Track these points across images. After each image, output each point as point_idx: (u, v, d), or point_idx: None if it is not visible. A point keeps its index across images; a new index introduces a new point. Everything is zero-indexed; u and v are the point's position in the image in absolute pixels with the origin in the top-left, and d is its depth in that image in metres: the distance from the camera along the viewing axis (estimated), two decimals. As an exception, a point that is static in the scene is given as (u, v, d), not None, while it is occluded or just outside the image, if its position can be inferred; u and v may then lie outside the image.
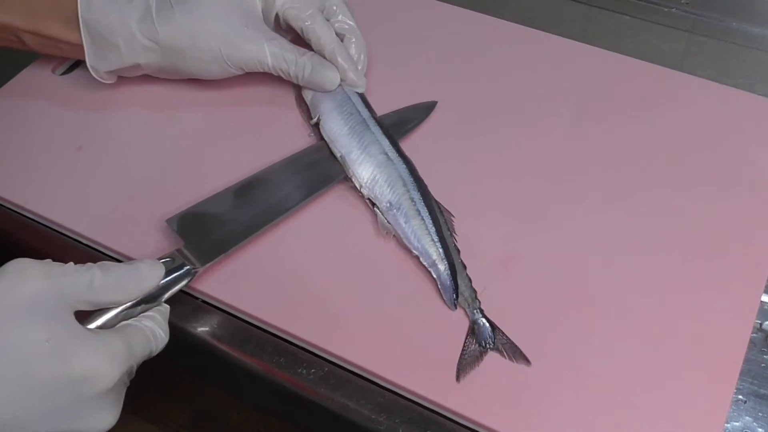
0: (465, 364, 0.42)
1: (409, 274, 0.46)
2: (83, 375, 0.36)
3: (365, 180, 0.49)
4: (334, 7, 0.54)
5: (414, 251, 0.46)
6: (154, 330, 0.41)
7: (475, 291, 0.45)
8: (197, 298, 0.47)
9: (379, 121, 0.52)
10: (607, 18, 0.66)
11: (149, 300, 0.41)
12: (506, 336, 0.43)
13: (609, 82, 0.57)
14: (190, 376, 0.56)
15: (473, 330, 0.44)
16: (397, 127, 0.53)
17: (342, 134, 0.51)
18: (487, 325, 0.44)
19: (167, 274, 0.42)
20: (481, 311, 0.44)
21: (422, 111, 0.55)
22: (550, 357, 0.43)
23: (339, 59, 0.53)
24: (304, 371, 0.44)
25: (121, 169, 0.52)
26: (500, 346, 0.43)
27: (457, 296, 0.45)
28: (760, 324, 0.45)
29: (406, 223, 0.47)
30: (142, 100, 0.56)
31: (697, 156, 0.52)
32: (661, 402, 0.41)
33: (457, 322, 0.44)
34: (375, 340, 0.43)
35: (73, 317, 0.37)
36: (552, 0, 0.68)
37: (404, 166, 0.50)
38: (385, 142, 0.51)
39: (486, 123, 0.54)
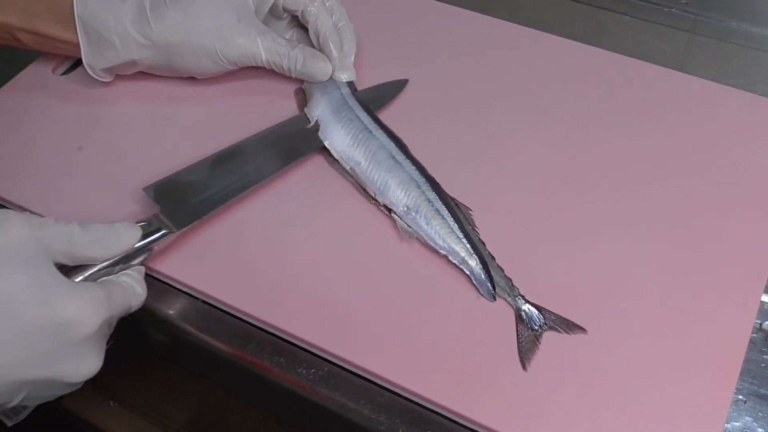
0: (525, 351, 0.42)
1: (412, 273, 0.46)
2: (65, 320, 0.37)
3: (378, 187, 0.49)
4: (328, 3, 0.55)
5: (441, 251, 0.46)
6: (132, 285, 0.42)
7: (510, 279, 0.45)
8: (197, 298, 0.47)
9: (382, 124, 0.52)
10: (607, 18, 0.66)
11: (126, 261, 0.42)
12: (554, 312, 0.43)
13: (609, 82, 0.57)
14: (190, 376, 0.56)
15: (521, 317, 0.44)
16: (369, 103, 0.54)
17: (345, 145, 0.51)
18: (533, 308, 0.44)
19: (144, 237, 0.43)
20: (523, 297, 0.44)
21: (393, 88, 0.56)
22: (550, 357, 0.43)
23: (331, 45, 0.54)
24: (304, 371, 0.44)
25: (121, 169, 0.52)
26: (552, 324, 0.43)
27: (494, 288, 0.45)
28: (760, 324, 0.45)
29: (427, 224, 0.47)
30: (142, 101, 0.56)
31: (697, 156, 0.52)
32: (661, 402, 0.41)
33: (459, 320, 0.44)
34: (375, 340, 0.43)
35: (53, 266, 0.38)
36: (552, 0, 0.68)
37: (413, 167, 0.49)
38: (391, 146, 0.50)
39: (485, 123, 0.54)
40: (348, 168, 0.50)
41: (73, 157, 0.53)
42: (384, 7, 0.63)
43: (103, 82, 0.55)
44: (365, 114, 0.52)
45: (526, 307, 0.44)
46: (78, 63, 0.59)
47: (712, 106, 0.55)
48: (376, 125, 0.52)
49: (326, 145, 0.52)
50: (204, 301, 0.47)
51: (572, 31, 0.62)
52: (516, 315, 0.44)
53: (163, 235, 0.44)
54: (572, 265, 0.46)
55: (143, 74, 0.56)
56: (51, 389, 0.39)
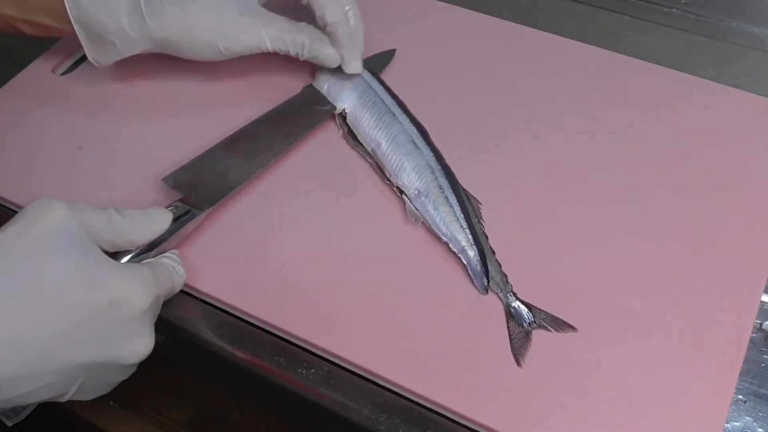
0: (518, 348, 0.43)
1: (412, 271, 0.46)
2: (116, 299, 0.37)
3: (393, 169, 0.50)
4: None
5: (443, 238, 0.47)
6: (173, 265, 0.43)
7: (505, 275, 0.45)
8: (197, 298, 0.47)
9: (405, 108, 0.53)
10: (607, 18, 0.66)
11: (160, 244, 0.44)
12: (544, 311, 0.44)
13: (609, 82, 0.57)
14: (190, 376, 0.56)
15: (511, 314, 0.44)
16: None
17: (370, 127, 0.52)
18: (522, 306, 0.44)
19: (174, 220, 0.45)
20: (514, 294, 0.44)
21: (381, 59, 0.58)
22: (549, 357, 0.43)
23: (339, 35, 0.52)
24: (304, 371, 0.44)
25: (121, 169, 0.52)
26: (542, 322, 0.43)
27: (488, 281, 0.45)
28: (760, 324, 0.45)
29: (434, 210, 0.48)
30: (142, 100, 0.56)
31: (697, 156, 0.52)
32: (660, 402, 0.41)
33: (459, 319, 0.44)
34: (374, 340, 0.43)
35: (98, 249, 0.39)
36: (552, 0, 0.68)
37: (431, 153, 0.50)
38: (413, 130, 0.51)
39: (484, 123, 0.54)
40: (369, 149, 0.51)
41: (73, 157, 0.53)
42: (383, 6, 0.63)
43: (102, 82, 0.55)
44: (389, 97, 0.53)
45: (516, 304, 0.44)
46: (78, 63, 0.59)
47: (712, 106, 0.55)
48: (399, 109, 0.53)
49: (350, 127, 0.53)
50: (204, 301, 0.47)
51: (572, 31, 0.62)
52: (506, 311, 0.44)
53: (192, 216, 0.46)
54: (572, 265, 0.46)
55: (143, 74, 0.56)
56: (106, 374, 0.39)
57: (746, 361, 0.43)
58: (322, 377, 0.44)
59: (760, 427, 0.42)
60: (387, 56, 0.59)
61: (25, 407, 0.64)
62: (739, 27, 0.64)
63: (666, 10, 0.66)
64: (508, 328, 0.43)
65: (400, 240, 0.48)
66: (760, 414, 0.42)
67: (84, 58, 0.59)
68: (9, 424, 0.60)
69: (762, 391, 0.43)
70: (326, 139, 0.54)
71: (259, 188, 0.51)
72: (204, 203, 0.47)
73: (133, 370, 0.41)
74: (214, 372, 0.49)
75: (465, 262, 0.46)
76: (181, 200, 0.46)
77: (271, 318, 0.45)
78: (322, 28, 0.53)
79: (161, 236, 0.43)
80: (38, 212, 0.38)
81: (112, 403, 0.71)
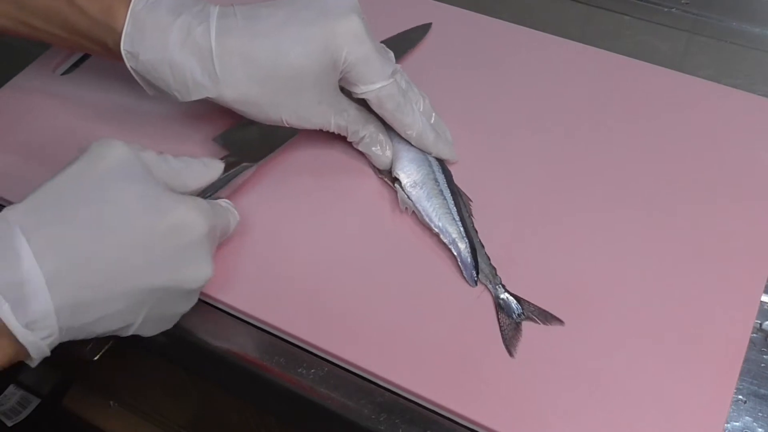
0: (509, 339, 0.43)
1: (406, 271, 0.46)
2: (177, 224, 0.39)
3: (392, 159, 0.51)
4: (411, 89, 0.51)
5: (434, 229, 0.47)
6: (227, 207, 0.46)
7: (494, 268, 0.46)
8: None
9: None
10: (606, 18, 0.66)
11: (213, 193, 0.46)
12: (533, 304, 0.44)
13: (609, 82, 0.57)
14: (190, 376, 0.56)
15: (500, 306, 0.44)
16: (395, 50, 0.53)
17: None
18: (511, 297, 0.44)
19: (225, 170, 0.47)
20: (503, 286, 0.45)
21: (417, 33, 0.59)
22: (550, 357, 0.43)
23: (425, 141, 0.50)
24: (304, 371, 0.44)
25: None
26: (530, 315, 0.44)
27: (477, 273, 0.45)
28: (760, 324, 0.45)
29: (428, 201, 0.48)
30: (142, 100, 0.56)
31: (696, 156, 0.52)
32: (661, 402, 0.41)
33: (455, 317, 0.44)
34: (374, 340, 0.43)
35: (157, 181, 0.41)
36: (552, 0, 0.68)
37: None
38: None
39: (484, 123, 0.54)
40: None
41: (74, 157, 0.53)
42: (382, 7, 0.63)
43: (102, 82, 0.55)
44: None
45: (504, 295, 0.45)
46: (78, 63, 0.59)
47: (712, 106, 0.55)
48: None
49: None
50: (204, 301, 0.47)
51: (571, 31, 0.62)
52: (495, 303, 0.45)
53: (243, 168, 0.48)
54: (571, 264, 0.46)
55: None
56: (170, 302, 0.41)
57: (746, 361, 0.43)
58: (322, 377, 0.44)
59: (760, 427, 0.42)
60: (423, 30, 0.60)
61: (25, 406, 0.64)
62: (739, 27, 0.64)
63: (666, 10, 0.66)
64: (498, 320, 0.44)
65: (397, 240, 0.48)
66: (760, 414, 0.42)
67: (84, 58, 0.59)
68: (9, 423, 0.60)
69: (762, 391, 0.43)
70: (324, 137, 0.53)
71: (257, 189, 0.51)
72: (253, 159, 0.49)
73: (193, 301, 0.43)
74: (214, 372, 0.49)
75: (455, 253, 0.46)
76: (230, 155, 0.48)
77: (271, 318, 0.45)
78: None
79: (214, 185, 0.45)
80: (101, 149, 0.40)
81: (112, 403, 0.71)
